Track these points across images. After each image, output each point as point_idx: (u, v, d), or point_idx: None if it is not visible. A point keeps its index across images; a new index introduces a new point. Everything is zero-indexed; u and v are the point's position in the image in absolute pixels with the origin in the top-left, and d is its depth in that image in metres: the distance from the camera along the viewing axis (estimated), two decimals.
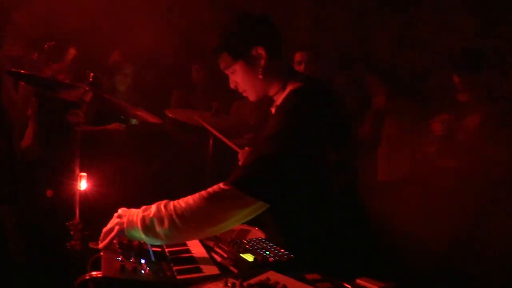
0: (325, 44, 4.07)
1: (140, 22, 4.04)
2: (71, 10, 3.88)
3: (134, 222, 1.53)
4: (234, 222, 1.60)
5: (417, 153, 3.35)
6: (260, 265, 1.50)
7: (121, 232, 1.54)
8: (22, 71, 2.09)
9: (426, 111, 3.35)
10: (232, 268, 1.51)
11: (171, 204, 1.55)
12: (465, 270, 2.76)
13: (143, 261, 1.45)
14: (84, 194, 1.76)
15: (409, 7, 4.01)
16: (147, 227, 1.52)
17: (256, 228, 2.05)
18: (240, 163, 2.15)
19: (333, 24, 4.27)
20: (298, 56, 3.60)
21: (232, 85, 1.84)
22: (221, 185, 1.55)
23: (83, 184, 1.76)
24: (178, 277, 1.41)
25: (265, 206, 1.59)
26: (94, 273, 1.40)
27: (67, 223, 1.73)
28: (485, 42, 3.39)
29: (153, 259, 1.52)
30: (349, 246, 1.70)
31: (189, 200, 1.54)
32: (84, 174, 1.77)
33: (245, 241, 1.72)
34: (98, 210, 1.85)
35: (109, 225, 1.57)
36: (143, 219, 1.52)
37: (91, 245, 1.62)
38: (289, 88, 1.74)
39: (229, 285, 1.30)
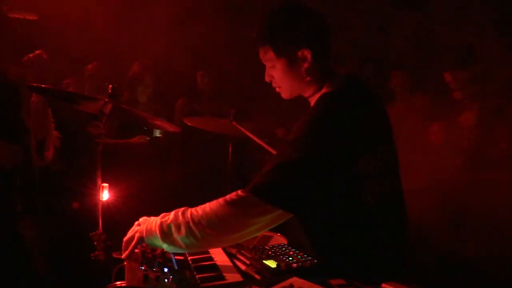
0: (338, 45, 4.05)
1: (153, 32, 4.08)
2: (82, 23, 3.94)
3: (152, 229, 1.51)
4: (256, 231, 1.53)
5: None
6: (283, 272, 1.49)
7: (140, 240, 1.52)
8: (42, 86, 2.12)
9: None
10: (255, 275, 1.50)
11: (189, 211, 1.51)
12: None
13: (166, 269, 1.45)
14: (107, 205, 1.77)
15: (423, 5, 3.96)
16: (165, 234, 1.49)
17: (278, 234, 2.04)
18: None
19: (347, 25, 4.23)
20: None
21: (267, 79, 1.74)
22: (239, 192, 1.50)
23: (105, 195, 1.78)
24: (202, 285, 1.42)
25: (288, 215, 1.52)
26: (118, 283, 1.41)
27: (90, 234, 1.74)
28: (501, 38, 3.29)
29: (176, 268, 1.52)
30: (378, 253, 1.61)
31: (206, 207, 1.50)
32: (106, 184, 1.79)
33: (267, 248, 1.71)
34: (121, 220, 1.87)
35: (129, 234, 1.56)
36: (161, 226, 1.50)
37: (115, 255, 1.63)
38: (323, 91, 1.65)
39: None
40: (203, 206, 1.51)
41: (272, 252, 1.66)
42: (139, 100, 3.86)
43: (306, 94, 1.73)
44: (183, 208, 1.54)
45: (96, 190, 1.78)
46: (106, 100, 1.87)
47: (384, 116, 1.69)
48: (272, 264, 1.53)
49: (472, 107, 3.11)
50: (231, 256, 1.67)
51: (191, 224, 1.47)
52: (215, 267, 1.56)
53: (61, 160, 3.16)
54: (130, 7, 4.16)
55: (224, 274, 1.49)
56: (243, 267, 1.57)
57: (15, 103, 2.81)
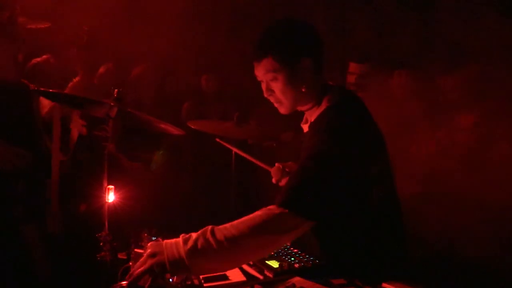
0: (343, 48, 4.05)
1: (158, 36, 4.11)
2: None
3: (176, 258, 1.37)
4: (284, 243, 1.57)
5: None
6: (285, 271, 1.51)
7: (162, 271, 1.37)
8: (50, 90, 2.16)
9: None
10: (258, 275, 1.52)
11: (218, 231, 1.41)
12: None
13: None
14: (113, 206, 1.80)
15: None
16: (195, 260, 1.37)
17: None
18: (273, 180, 2.11)
19: (351, 27, 4.25)
20: (352, 67, 3.50)
21: (266, 94, 1.72)
22: (271, 207, 1.46)
23: (111, 197, 1.81)
24: (205, 284, 1.45)
25: (310, 225, 1.52)
26: (124, 282, 1.43)
27: (96, 235, 1.77)
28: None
29: None
30: (382, 254, 1.66)
31: (238, 225, 1.42)
32: (111, 186, 1.82)
33: None
34: (126, 221, 1.90)
35: (143, 267, 1.38)
36: (190, 252, 1.37)
37: (120, 255, 1.66)
38: (324, 105, 1.68)
39: None
40: (234, 223, 1.44)
41: (275, 253, 1.69)
42: (144, 102, 3.90)
43: (304, 108, 1.75)
44: (210, 227, 1.43)
45: (102, 192, 1.81)
46: (112, 104, 1.90)
47: (376, 126, 1.74)
48: (274, 264, 1.56)
49: (471, 108, 3.09)
50: None
51: (224, 243, 1.38)
52: None
53: (69, 163, 3.19)
54: (133, 12, 4.20)
55: (228, 274, 1.52)
56: (245, 267, 1.60)
57: (25, 108, 2.84)
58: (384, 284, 1.39)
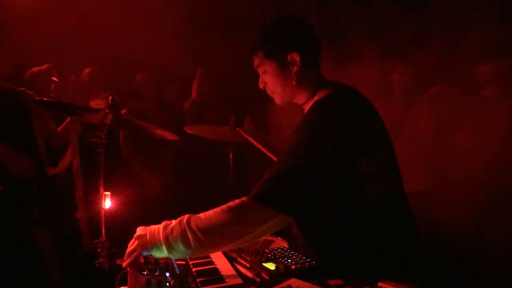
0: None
1: (157, 40, 4.12)
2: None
3: (157, 242, 1.53)
4: (260, 235, 1.58)
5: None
6: (282, 273, 1.52)
7: (144, 251, 1.54)
8: (45, 99, 2.18)
9: None
10: (254, 277, 1.53)
11: (193, 218, 1.53)
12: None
13: (168, 274, 1.49)
14: (109, 213, 1.81)
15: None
16: (171, 246, 1.52)
17: (280, 238, 2.07)
18: None
19: (344, 28, 4.26)
20: None
21: (261, 85, 1.82)
22: (243, 199, 1.54)
23: (107, 203, 1.82)
24: (202, 287, 1.45)
25: (289, 218, 1.57)
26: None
27: (94, 241, 1.78)
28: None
29: (177, 272, 1.56)
30: (378, 253, 1.62)
31: (210, 214, 1.53)
32: (108, 193, 1.83)
33: (267, 251, 1.75)
34: (124, 228, 1.91)
35: (131, 247, 1.57)
36: (167, 238, 1.52)
37: (118, 261, 1.67)
38: (316, 98, 1.71)
39: None
40: (207, 213, 1.54)
41: (272, 255, 1.70)
42: (144, 108, 3.90)
43: (300, 101, 1.79)
44: (186, 216, 1.56)
45: (98, 198, 1.82)
46: (107, 111, 1.91)
47: (379, 119, 1.74)
48: (271, 266, 1.57)
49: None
50: (231, 259, 1.70)
51: (197, 232, 1.50)
52: (215, 271, 1.59)
53: (68, 172, 3.20)
54: (133, 19, 4.21)
55: (224, 278, 1.53)
56: (243, 270, 1.61)
57: (26, 117, 2.86)
58: (380, 284, 1.39)
